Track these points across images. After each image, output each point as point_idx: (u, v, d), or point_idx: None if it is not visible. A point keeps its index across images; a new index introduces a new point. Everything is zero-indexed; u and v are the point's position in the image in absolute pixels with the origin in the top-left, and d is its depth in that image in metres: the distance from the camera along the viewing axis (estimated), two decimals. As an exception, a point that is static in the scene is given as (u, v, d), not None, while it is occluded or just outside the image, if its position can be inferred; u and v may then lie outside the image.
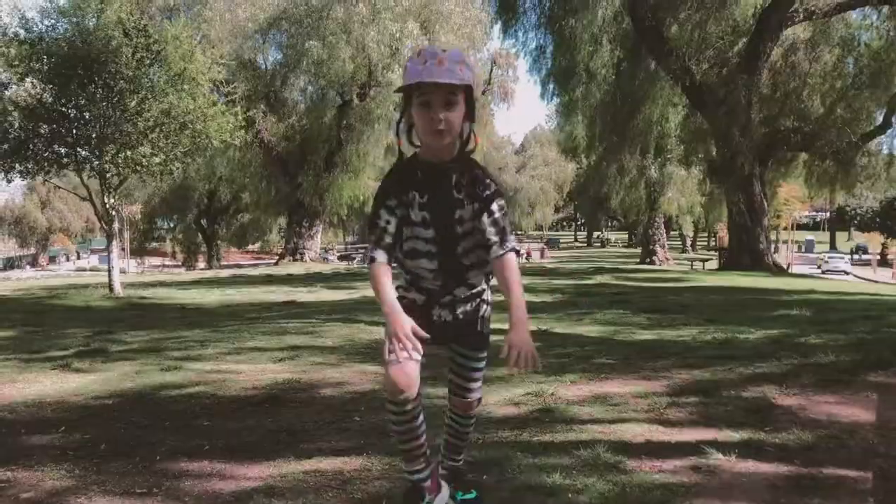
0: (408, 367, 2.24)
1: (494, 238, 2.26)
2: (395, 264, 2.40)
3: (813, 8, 22.54)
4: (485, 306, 2.51)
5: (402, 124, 2.34)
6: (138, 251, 58.07)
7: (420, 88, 2.18)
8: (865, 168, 28.48)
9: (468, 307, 2.46)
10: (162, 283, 19.47)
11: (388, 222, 2.30)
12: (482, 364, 2.55)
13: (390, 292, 2.26)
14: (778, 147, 26.96)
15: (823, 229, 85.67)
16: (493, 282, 2.46)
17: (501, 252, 2.25)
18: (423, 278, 2.43)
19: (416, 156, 2.35)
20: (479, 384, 2.58)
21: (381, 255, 2.29)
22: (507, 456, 3.34)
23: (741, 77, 21.90)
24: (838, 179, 29.11)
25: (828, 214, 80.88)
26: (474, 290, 2.46)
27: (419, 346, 2.16)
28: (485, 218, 2.28)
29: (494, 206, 2.29)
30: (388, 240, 2.30)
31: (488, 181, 2.31)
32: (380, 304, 2.26)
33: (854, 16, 25.11)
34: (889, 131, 27.99)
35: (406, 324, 2.18)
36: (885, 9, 23.13)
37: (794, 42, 25.93)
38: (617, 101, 25.09)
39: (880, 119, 27.32)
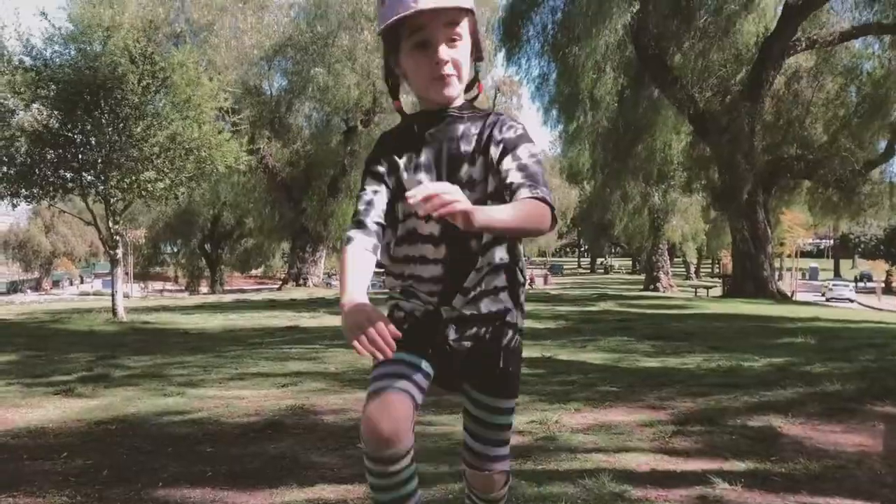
0: (395, 403, 1.59)
1: (520, 180, 1.57)
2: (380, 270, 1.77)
3: (815, 37, 22.74)
4: (510, 332, 1.81)
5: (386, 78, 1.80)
6: (142, 276, 58.18)
7: (412, 24, 1.60)
8: (869, 196, 28.57)
9: (484, 329, 1.77)
10: (165, 308, 19.47)
11: (375, 192, 1.69)
12: (508, 419, 1.86)
13: (358, 282, 1.58)
14: (781, 175, 27.09)
15: (827, 257, 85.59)
16: (526, 292, 1.86)
17: (529, 195, 1.54)
18: (421, 279, 1.76)
19: (408, 115, 1.79)
20: (504, 450, 1.87)
21: (359, 235, 1.65)
22: (511, 485, 3.31)
23: (744, 105, 22.07)
24: (842, 207, 29.20)
25: (831, 242, 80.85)
26: (492, 302, 1.76)
27: (392, 343, 1.45)
28: (507, 160, 1.62)
29: (522, 150, 1.63)
30: (373, 216, 1.67)
31: (514, 123, 1.71)
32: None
33: (857, 45, 25.31)
34: (892, 159, 28.12)
35: (371, 312, 1.49)
36: (887, 38, 23.34)
37: (797, 70, 26.14)
38: (619, 128, 25.23)
39: (883, 147, 27.44)
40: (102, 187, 14.53)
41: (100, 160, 14.25)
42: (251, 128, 26.77)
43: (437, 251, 1.72)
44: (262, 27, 31.60)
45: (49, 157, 14.39)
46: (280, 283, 40.81)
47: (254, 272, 65.42)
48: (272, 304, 19.80)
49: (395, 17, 1.58)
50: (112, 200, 14.73)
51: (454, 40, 1.64)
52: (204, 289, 52.61)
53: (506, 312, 1.78)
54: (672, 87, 22.47)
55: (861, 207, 29.45)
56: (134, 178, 14.43)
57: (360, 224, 1.65)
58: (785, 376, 5.97)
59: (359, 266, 1.60)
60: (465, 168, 1.68)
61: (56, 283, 70.30)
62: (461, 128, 1.70)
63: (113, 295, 15.00)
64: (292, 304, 19.69)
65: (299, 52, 31.32)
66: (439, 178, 1.67)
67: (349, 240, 1.64)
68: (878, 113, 24.79)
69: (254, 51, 30.93)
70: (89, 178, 14.74)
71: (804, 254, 67.02)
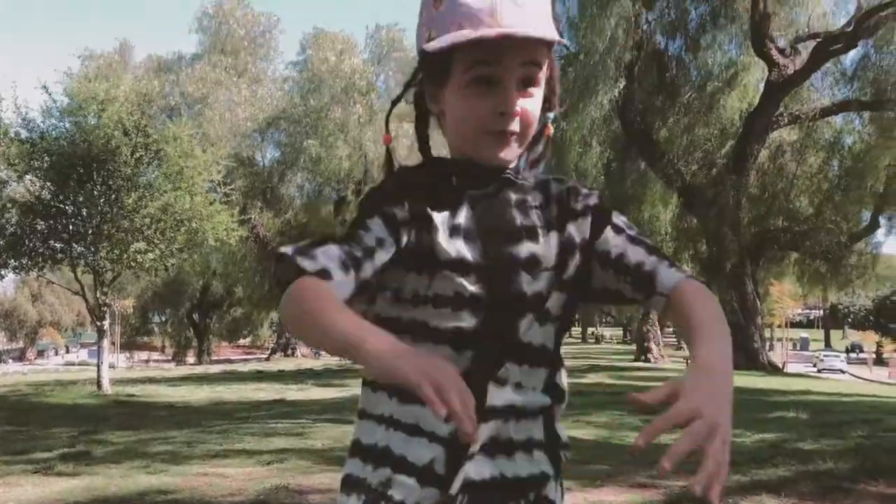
0: None
1: (652, 258, 1.17)
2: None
3: (797, 112, 23.31)
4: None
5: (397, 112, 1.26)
6: (128, 345, 57.60)
7: (481, 51, 1.07)
8: (856, 267, 28.85)
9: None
10: (151, 380, 19.22)
11: (379, 243, 1.08)
12: None
13: (356, 317, 0.95)
14: (768, 246, 27.36)
15: (817, 327, 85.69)
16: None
17: (681, 274, 1.16)
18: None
19: (439, 159, 1.23)
20: None
21: (339, 277, 1.02)
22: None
23: (730, 178, 22.44)
24: (829, 278, 29.46)
25: (821, 312, 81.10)
26: (526, 462, 1.15)
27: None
28: (610, 235, 1.19)
29: (620, 220, 1.22)
30: (364, 270, 1.06)
31: (586, 187, 1.26)
32: (339, 345, 0.93)
33: (838, 120, 25.97)
34: (876, 231, 28.56)
35: (440, 363, 0.88)
36: (867, 114, 24.00)
37: (781, 144, 26.71)
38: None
39: (867, 218, 27.87)
40: (92, 258, 14.50)
41: (90, 231, 14.26)
42: (243, 198, 27.01)
43: (462, 355, 1.11)
44: (255, 100, 32.21)
45: (39, 227, 14.41)
46: (268, 353, 40.49)
47: (242, 342, 64.86)
48: (259, 376, 19.59)
49: (465, 40, 1.05)
50: (101, 271, 14.68)
51: (529, 86, 1.13)
52: (191, 359, 52.03)
53: (543, 481, 1.17)
54: (659, 161, 22.88)
55: (848, 278, 29.73)
56: (123, 248, 14.42)
57: (345, 266, 1.03)
58: (777, 453, 5.91)
59: (341, 303, 1.00)
60: (524, 245, 1.16)
61: (41, 353, 69.42)
62: (514, 195, 1.20)
63: (98, 366, 14.80)
64: (280, 376, 19.49)
65: (292, 125, 31.86)
66: (485, 253, 1.13)
67: (325, 273, 1.01)
68: (861, 186, 25.30)
69: (247, 123, 31.44)
70: (79, 249, 14.73)
71: (794, 324, 67.16)
